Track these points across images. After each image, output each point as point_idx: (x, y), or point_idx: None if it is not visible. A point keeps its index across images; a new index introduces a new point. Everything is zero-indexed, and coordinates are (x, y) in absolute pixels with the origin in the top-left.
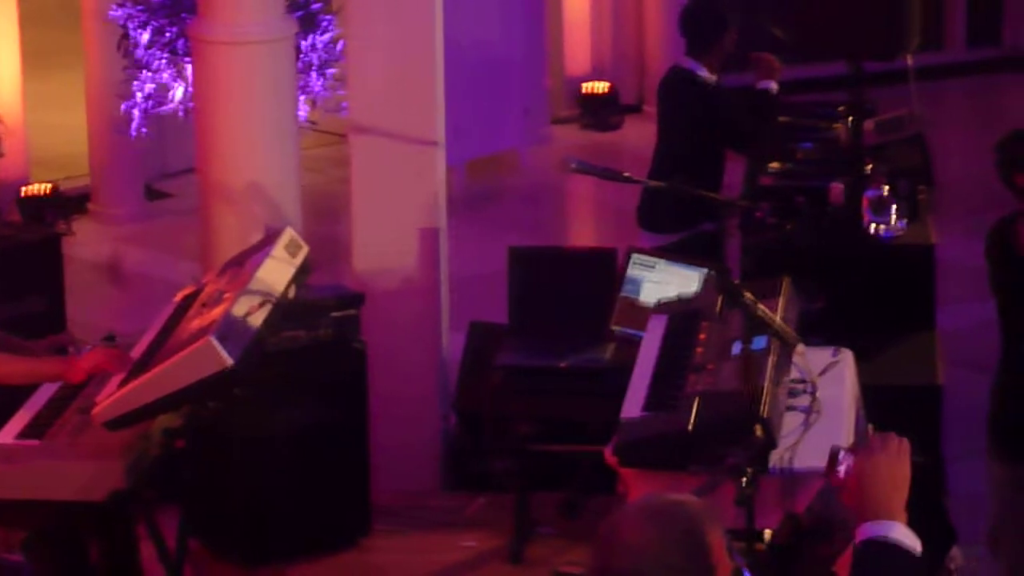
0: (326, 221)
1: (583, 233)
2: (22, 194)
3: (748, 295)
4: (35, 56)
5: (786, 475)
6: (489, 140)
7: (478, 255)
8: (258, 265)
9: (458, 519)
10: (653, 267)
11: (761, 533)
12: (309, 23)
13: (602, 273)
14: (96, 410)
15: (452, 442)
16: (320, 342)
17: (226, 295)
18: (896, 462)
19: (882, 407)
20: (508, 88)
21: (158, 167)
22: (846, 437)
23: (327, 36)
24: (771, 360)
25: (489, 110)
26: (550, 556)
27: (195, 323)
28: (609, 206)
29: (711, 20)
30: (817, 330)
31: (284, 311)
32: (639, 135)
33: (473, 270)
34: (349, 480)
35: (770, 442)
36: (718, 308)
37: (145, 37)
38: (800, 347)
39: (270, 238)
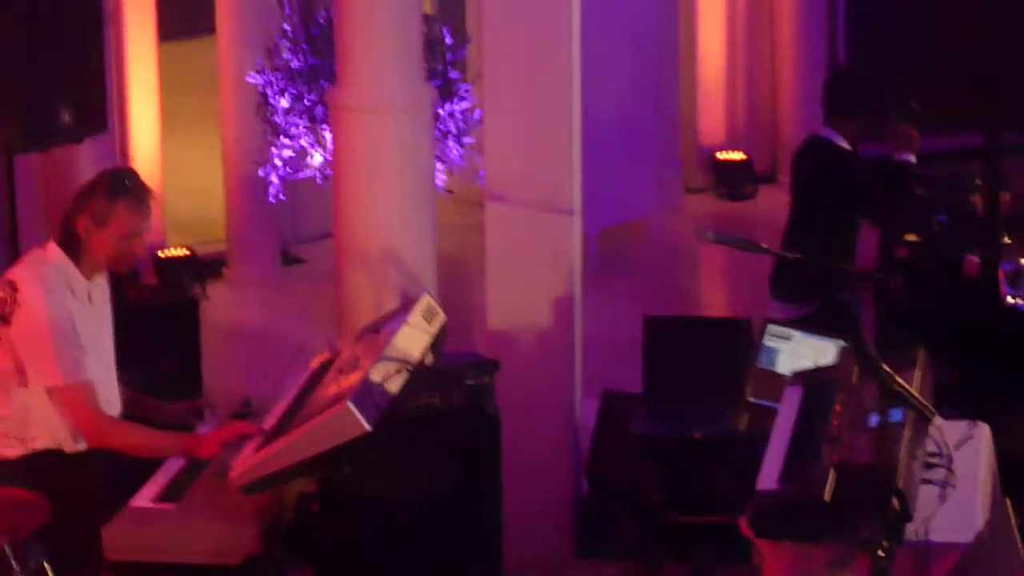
0: (458, 287)
1: (714, 302)
2: (159, 258)
3: (885, 367)
4: (171, 120)
5: (921, 548)
6: (623, 209)
7: (609, 322)
8: (395, 332)
9: None
10: (789, 338)
11: None
12: (447, 92)
13: (737, 343)
14: (233, 474)
15: (584, 509)
16: (454, 408)
17: (363, 362)
18: None
19: (1017, 479)
20: (642, 157)
21: (291, 233)
22: (981, 511)
23: (464, 104)
24: (907, 433)
25: (623, 179)
26: None
27: (331, 389)
28: (740, 275)
29: (852, 90)
30: (952, 402)
31: (419, 377)
32: (772, 205)
33: (604, 336)
34: (482, 547)
35: (906, 515)
36: (854, 379)
37: (284, 103)
38: (937, 420)
39: (407, 305)
